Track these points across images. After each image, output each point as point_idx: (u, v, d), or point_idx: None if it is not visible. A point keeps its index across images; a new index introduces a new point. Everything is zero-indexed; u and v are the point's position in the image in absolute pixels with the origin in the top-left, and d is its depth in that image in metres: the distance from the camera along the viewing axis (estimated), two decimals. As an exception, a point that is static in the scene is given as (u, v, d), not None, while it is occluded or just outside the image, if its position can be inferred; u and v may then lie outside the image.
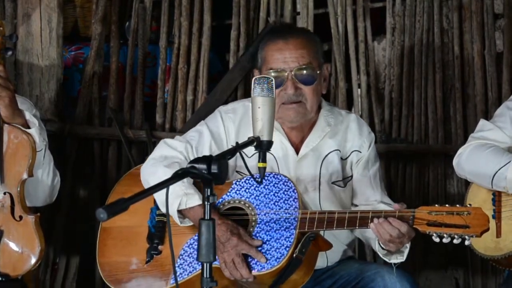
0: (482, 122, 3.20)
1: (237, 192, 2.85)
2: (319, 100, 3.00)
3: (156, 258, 2.87)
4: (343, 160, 3.03)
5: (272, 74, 2.88)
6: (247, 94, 4.15)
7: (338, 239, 3.02)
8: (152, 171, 2.89)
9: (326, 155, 3.01)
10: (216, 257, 2.43)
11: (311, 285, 2.90)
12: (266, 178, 2.80)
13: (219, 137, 3.00)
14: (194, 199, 2.78)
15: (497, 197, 3.03)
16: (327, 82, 3.05)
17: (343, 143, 3.04)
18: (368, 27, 4.21)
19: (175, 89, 4.17)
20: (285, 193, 2.79)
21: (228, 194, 2.86)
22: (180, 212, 2.80)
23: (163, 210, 2.90)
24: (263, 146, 2.51)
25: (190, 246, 2.83)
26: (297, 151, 2.99)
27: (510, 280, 3.11)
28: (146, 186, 2.90)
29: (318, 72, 2.93)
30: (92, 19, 4.12)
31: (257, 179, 2.51)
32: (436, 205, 2.63)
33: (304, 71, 2.90)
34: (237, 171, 2.98)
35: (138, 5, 4.15)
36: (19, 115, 2.99)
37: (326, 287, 2.97)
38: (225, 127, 3.02)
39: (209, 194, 2.16)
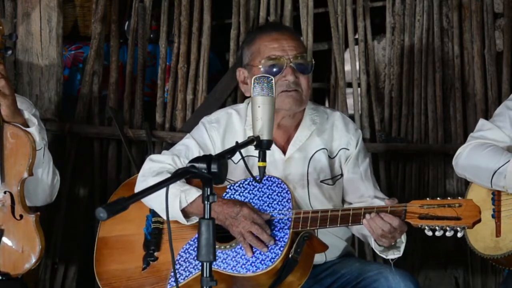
0: (481, 122, 3.21)
1: (232, 196, 2.85)
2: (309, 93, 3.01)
3: (152, 265, 2.87)
4: (331, 158, 3.03)
5: (270, 61, 2.88)
6: (247, 93, 4.15)
7: (335, 235, 3.02)
8: (143, 185, 2.87)
9: (313, 154, 3.00)
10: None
11: (311, 284, 2.90)
12: None
13: (206, 147, 3.00)
14: (192, 193, 2.78)
15: (496, 196, 3.03)
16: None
17: (329, 142, 3.04)
18: (368, 26, 4.21)
19: (175, 89, 4.17)
20: (279, 194, 2.79)
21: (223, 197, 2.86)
22: (183, 211, 2.80)
23: (163, 215, 2.90)
24: (263, 145, 2.52)
25: (186, 251, 2.83)
26: (283, 151, 2.99)
27: (509, 279, 3.12)
28: (143, 201, 2.87)
29: (312, 63, 2.95)
30: (92, 18, 4.12)
31: (257, 178, 2.51)
32: (428, 198, 2.64)
33: (302, 60, 2.92)
34: None
35: (138, 5, 4.15)
36: (19, 114, 3.00)
37: (326, 285, 2.97)
38: (210, 136, 3.02)
39: (209, 193, 2.16)
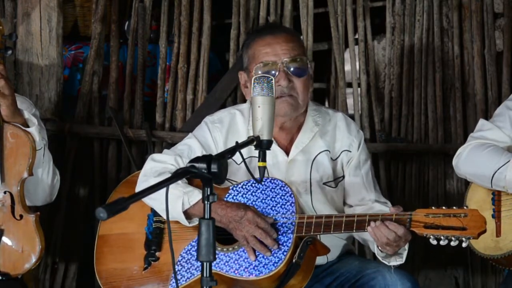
0: (481, 122, 3.21)
1: (234, 197, 2.84)
2: (308, 96, 2.98)
3: (153, 265, 2.86)
4: (333, 160, 3.02)
5: (263, 67, 2.87)
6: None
7: (336, 235, 3.01)
8: (144, 186, 2.86)
9: (316, 156, 2.99)
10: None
11: (311, 283, 2.89)
12: (263, 183, 2.80)
13: (208, 147, 2.98)
14: (195, 195, 2.77)
15: (496, 196, 3.03)
16: (313, 80, 3.04)
17: (332, 144, 3.03)
18: (368, 26, 4.21)
19: (175, 89, 4.17)
20: (282, 197, 2.78)
21: (225, 199, 2.86)
22: (185, 213, 2.79)
23: (163, 215, 2.89)
24: (263, 145, 2.51)
25: (188, 252, 2.82)
26: (286, 153, 2.98)
27: (509, 279, 3.12)
28: (144, 201, 2.86)
29: (308, 65, 2.92)
30: (92, 18, 4.12)
31: (257, 179, 2.51)
32: (433, 207, 2.63)
33: (296, 63, 2.89)
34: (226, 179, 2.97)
35: (138, 5, 4.15)
36: (18, 114, 3.00)
37: (326, 284, 2.97)
38: (212, 137, 3.00)
39: (209, 193, 2.15)
